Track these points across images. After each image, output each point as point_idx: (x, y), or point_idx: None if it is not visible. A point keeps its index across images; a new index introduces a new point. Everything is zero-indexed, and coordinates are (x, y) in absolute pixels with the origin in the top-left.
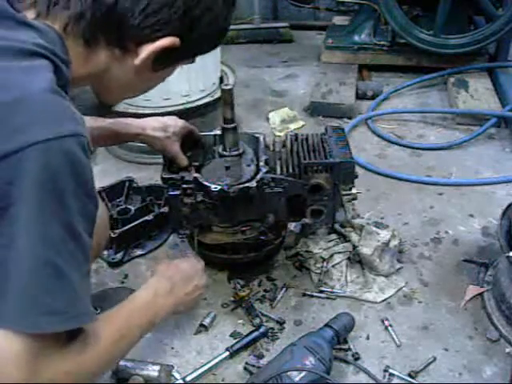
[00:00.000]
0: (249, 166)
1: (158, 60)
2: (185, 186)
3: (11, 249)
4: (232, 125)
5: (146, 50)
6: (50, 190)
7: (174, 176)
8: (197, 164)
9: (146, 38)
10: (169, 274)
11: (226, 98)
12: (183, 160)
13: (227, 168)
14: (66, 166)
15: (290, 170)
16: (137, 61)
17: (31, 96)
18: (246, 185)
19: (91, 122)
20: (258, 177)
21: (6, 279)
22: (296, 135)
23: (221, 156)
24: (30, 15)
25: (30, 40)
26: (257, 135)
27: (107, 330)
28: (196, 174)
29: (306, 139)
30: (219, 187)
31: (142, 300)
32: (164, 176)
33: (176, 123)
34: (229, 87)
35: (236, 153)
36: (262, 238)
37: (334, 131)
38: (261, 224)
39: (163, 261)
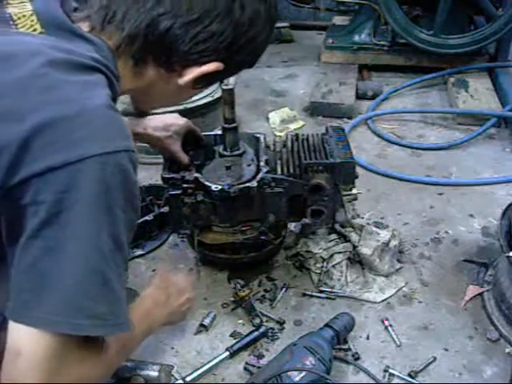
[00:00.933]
0: (249, 165)
1: (200, 81)
2: (185, 185)
3: (59, 252)
4: (232, 125)
5: (192, 73)
6: (103, 202)
7: (174, 176)
8: (197, 163)
9: (192, 62)
10: (164, 285)
11: (227, 98)
12: (184, 158)
13: (228, 168)
14: (119, 180)
15: (291, 170)
16: (181, 81)
17: (91, 111)
18: (247, 185)
19: None
20: (259, 177)
21: (47, 281)
22: (297, 135)
23: (221, 156)
24: (84, 27)
25: (88, 54)
26: (257, 135)
27: (113, 338)
28: (196, 174)
29: (307, 139)
30: (220, 187)
31: (142, 309)
32: (164, 176)
33: (177, 122)
34: (229, 87)
35: (237, 153)
36: (262, 237)
37: (335, 131)
38: (261, 224)
39: (159, 273)
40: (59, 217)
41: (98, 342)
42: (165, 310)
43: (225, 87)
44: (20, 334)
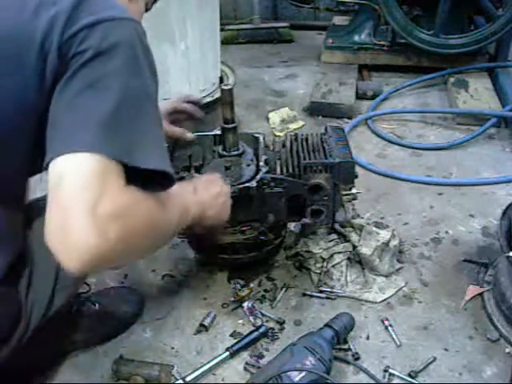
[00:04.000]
0: (249, 165)
1: None
2: None
3: (97, 88)
4: (232, 125)
5: None
6: (138, 50)
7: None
8: (197, 164)
9: None
10: (189, 181)
11: (226, 98)
12: (176, 130)
13: (227, 168)
14: (137, 39)
15: (290, 170)
16: None
17: None
18: (246, 185)
19: None
20: (258, 177)
21: (86, 112)
22: (296, 135)
23: (221, 156)
24: None
25: None
26: (256, 135)
27: (154, 196)
28: (196, 174)
29: (306, 139)
30: None
31: (176, 189)
32: None
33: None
34: (228, 87)
35: (236, 153)
36: (262, 238)
37: (334, 131)
38: (261, 224)
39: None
40: (99, 58)
41: (138, 188)
42: (196, 198)
43: (224, 87)
44: (61, 163)
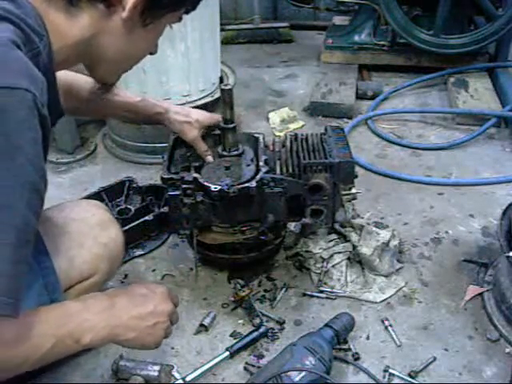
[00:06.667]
0: (248, 166)
1: (146, 12)
2: (184, 186)
3: None
4: (231, 125)
5: None
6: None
7: (173, 176)
8: (196, 164)
9: None
10: (114, 293)
11: (226, 98)
12: (202, 146)
13: (227, 168)
14: (13, 113)
15: (290, 170)
16: (124, 13)
17: None
18: (246, 185)
19: (116, 92)
20: (258, 177)
21: None
22: (296, 135)
23: (220, 156)
24: None
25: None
26: (256, 135)
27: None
28: (196, 174)
29: (306, 139)
30: (219, 187)
31: (57, 312)
32: (163, 176)
33: (201, 112)
34: (228, 87)
35: (236, 153)
36: (262, 237)
37: (334, 131)
38: (261, 224)
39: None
40: None
41: None
42: (102, 316)
43: (224, 87)
44: None
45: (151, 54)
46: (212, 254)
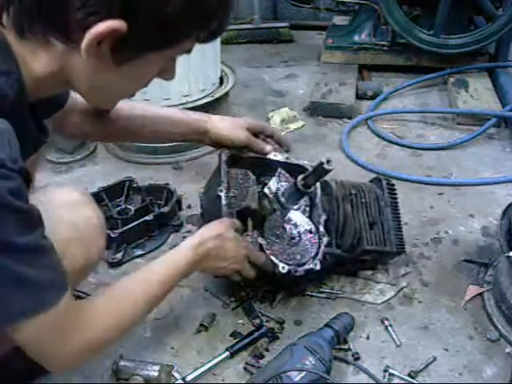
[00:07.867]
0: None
1: (116, 50)
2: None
3: None
4: (308, 190)
5: (87, 37)
6: None
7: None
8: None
9: (84, 26)
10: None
11: (321, 175)
12: (258, 142)
13: (292, 238)
14: None
15: (347, 240)
16: (83, 52)
17: None
18: (311, 266)
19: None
20: (320, 256)
21: None
22: (350, 189)
23: (280, 204)
24: None
25: None
26: (326, 179)
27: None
28: (261, 241)
29: (363, 201)
30: (287, 268)
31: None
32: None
33: (244, 118)
34: (331, 167)
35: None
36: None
37: (388, 188)
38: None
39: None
40: None
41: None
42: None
43: (327, 167)
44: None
45: (165, 79)
46: None
